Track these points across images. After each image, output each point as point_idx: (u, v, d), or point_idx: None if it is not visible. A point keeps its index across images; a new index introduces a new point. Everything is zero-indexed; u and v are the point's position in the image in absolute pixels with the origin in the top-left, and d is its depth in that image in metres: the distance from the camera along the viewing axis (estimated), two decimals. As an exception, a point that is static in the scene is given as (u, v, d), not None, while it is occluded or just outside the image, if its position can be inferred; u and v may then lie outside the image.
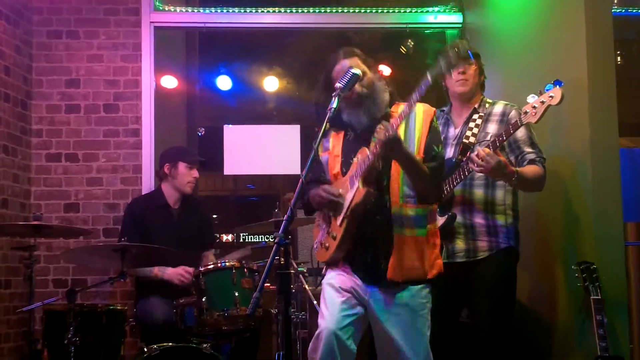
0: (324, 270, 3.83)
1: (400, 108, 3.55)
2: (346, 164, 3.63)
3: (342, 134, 3.70)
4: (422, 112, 3.60)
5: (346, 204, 3.53)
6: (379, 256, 3.53)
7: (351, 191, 3.50)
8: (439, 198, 3.80)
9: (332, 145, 3.71)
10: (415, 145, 3.54)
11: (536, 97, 3.89)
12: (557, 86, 3.78)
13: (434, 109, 3.68)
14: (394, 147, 3.38)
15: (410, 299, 3.53)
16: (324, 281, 3.70)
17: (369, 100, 3.57)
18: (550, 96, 3.81)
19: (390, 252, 3.49)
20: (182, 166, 5.28)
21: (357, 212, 3.49)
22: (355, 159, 3.55)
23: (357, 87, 3.52)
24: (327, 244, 3.66)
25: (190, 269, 4.93)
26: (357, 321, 3.55)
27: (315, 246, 3.81)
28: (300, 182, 3.16)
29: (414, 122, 3.58)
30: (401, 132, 3.51)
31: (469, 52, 3.66)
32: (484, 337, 4.17)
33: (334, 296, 3.57)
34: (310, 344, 3.57)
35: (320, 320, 3.57)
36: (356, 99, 3.54)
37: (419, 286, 3.55)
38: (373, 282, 3.55)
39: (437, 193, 3.69)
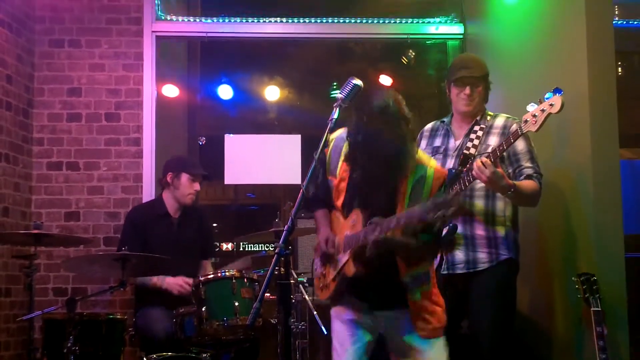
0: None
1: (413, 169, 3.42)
2: (347, 205, 3.52)
3: (349, 170, 3.50)
4: (432, 177, 3.43)
5: (339, 265, 3.50)
6: (387, 284, 3.50)
7: (344, 255, 3.47)
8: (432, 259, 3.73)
9: (339, 176, 3.57)
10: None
11: (536, 105, 3.89)
12: (557, 94, 3.78)
13: (446, 172, 3.61)
14: (383, 248, 3.28)
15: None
16: (332, 313, 3.71)
17: (396, 161, 3.33)
18: (551, 104, 3.81)
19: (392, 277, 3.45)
20: (184, 177, 5.27)
21: (346, 280, 3.48)
22: (351, 220, 3.46)
23: (392, 145, 3.27)
24: (321, 285, 3.68)
25: (190, 280, 4.92)
26: (368, 349, 3.61)
27: (315, 267, 3.77)
28: (301, 193, 3.15)
29: (423, 183, 3.41)
30: (407, 191, 3.39)
31: None
32: (484, 349, 4.17)
33: (344, 332, 3.61)
34: None
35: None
36: (386, 153, 3.29)
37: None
38: (381, 307, 3.56)
39: (433, 256, 3.71)
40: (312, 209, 3.69)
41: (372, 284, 3.49)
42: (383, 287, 3.50)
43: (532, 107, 3.90)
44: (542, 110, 3.81)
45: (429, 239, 3.34)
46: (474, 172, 3.94)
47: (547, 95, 3.78)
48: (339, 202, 3.57)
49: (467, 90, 4.30)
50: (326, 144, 3.39)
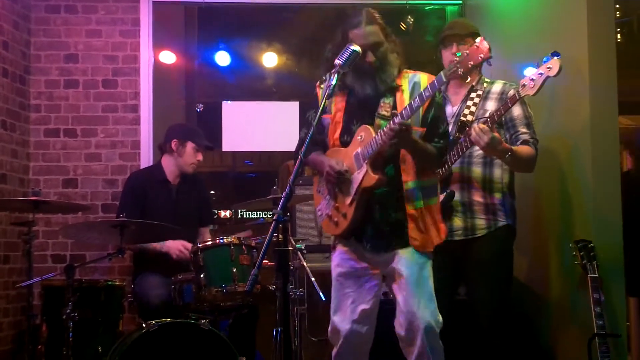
0: (332, 242, 3.87)
1: (406, 78, 3.61)
2: (347, 131, 3.66)
3: (344, 98, 3.70)
4: (425, 83, 3.59)
5: (354, 184, 3.57)
6: (391, 226, 3.60)
7: (359, 172, 3.54)
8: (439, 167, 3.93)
9: (335, 110, 3.71)
10: (420, 118, 3.56)
11: (534, 69, 3.85)
12: (555, 57, 3.74)
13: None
14: (403, 140, 3.42)
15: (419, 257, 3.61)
16: (333, 270, 3.78)
17: (379, 72, 3.57)
18: (548, 67, 3.76)
19: (402, 223, 3.57)
20: (190, 146, 5.26)
21: (367, 194, 3.54)
22: (358, 137, 3.57)
23: (370, 56, 3.52)
24: (335, 220, 3.70)
25: (189, 245, 4.93)
26: (372, 305, 3.69)
27: (319, 214, 3.84)
28: (300, 159, 3.15)
29: (418, 89, 3.58)
30: (406, 102, 3.53)
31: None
32: (481, 315, 4.20)
33: (345, 290, 3.69)
34: (329, 334, 3.73)
35: (334, 318, 3.70)
36: (367, 68, 3.54)
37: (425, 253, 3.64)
38: (384, 251, 3.63)
39: (439, 165, 3.84)
40: (305, 154, 3.72)
41: (375, 226, 3.61)
42: (385, 229, 3.60)
43: (529, 71, 3.87)
44: (540, 74, 3.76)
45: (442, 146, 3.63)
46: (471, 138, 3.93)
47: (544, 59, 3.74)
48: (337, 135, 3.68)
49: (454, 48, 4.29)
50: (324, 110, 3.40)
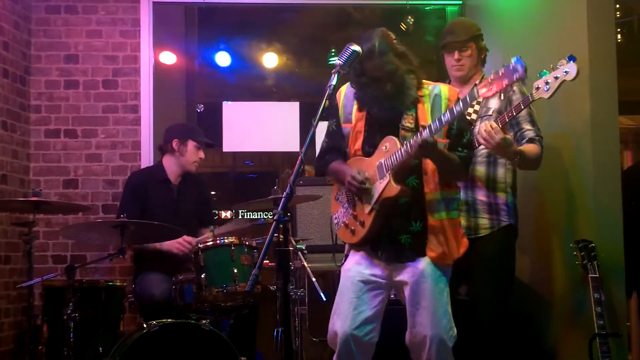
0: (346, 250, 3.87)
1: (427, 89, 3.61)
2: (368, 143, 3.66)
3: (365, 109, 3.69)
4: (447, 94, 3.61)
5: (376, 194, 3.57)
6: (410, 237, 3.60)
7: (381, 182, 3.54)
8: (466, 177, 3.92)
9: (355, 119, 3.71)
10: (442, 128, 3.52)
11: (547, 73, 3.81)
12: (571, 62, 3.71)
13: (458, 90, 3.71)
14: (429, 152, 3.44)
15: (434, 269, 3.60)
16: (342, 274, 3.77)
17: (398, 97, 3.54)
18: (565, 72, 3.71)
19: (422, 234, 3.57)
20: (191, 145, 5.28)
21: (387, 204, 3.54)
22: (383, 147, 3.57)
23: (388, 85, 3.49)
24: (352, 228, 3.70)
25: (191, 239, 4.94)
26: (375, 313, 3.66)
27: (335, 222, 3.85)
28: (300, 159, 3.16)
29: (439, 103, 3.58)
30: (428, 113, 3.55)
31: None
32: (482, 314, 4.19)
33: (349, 295, 3.66)
34: (328, 337, 3.72)
35: (335, 319, 3.69)
36: (385, 93, 3.51)
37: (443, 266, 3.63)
38: (398, 261, 3.62)
39: (465, 175, 3.82)
40: (326, 163, 3.74)
41: (392, 236, 3.60)
42: (403, 240, 3.59)
43: (544, 74, 3.81)
44: (556, 78, 3.74)
45: (466, 156, 3.63)
46: (480, 137, 3.92)
47: (560, 63, 3.72)
48: (358, 144, 3.68)
49: (456, 55, 4.32)
50: (324, 111, 3.40)
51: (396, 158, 3.48)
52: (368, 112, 3.65)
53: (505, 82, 3.27)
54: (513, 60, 3.29)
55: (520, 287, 4.65)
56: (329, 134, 3.84)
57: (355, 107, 3.69)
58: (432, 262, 3.57)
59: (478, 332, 4.21)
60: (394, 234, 3.61)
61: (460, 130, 3.61)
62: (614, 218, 4.15)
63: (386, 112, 3.57)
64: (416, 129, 3.53)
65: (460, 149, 3.61)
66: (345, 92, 3.75)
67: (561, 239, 4.47)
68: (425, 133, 3.38)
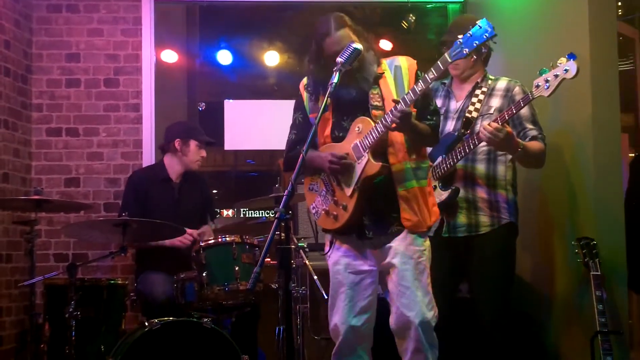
0: (327, 240, 3.85)
1: (385, 64, 3.66)
2: (338, 127, 3.69)
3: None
4: (406, 65, 3.67)
5: (356, 175, 3.58)
6: (385, 214, 3.63)
7: (360, 162, 3.56)
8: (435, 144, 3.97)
9: (321, 107, 3.67)
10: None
11: (547, 71, 3.81)
12: (571, 60, 3.71)
13: (415, 60, 3.73)
14: (406, 123, 3.45)
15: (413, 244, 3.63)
16: (330, 268, 3.79)
17: (360, 73, 3.59)
18: (565, 70, 3.72)
19: (395, 207, 3.59)
20: (193, 144, 5.29)
21: (368, 183, 3.56)
22: (356, 128, 3.59)
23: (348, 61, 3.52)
24: (335, 213, 3.70)
25: (191, 231, 4.95)
26: (370, 302, 3.69)
27: (314, 211, 3.85)
28: (301, 157, 3.16)
29: (401, 75, 3.64)
30: (392, 87, 3.60)
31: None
32: (483, 312, 4.19)
33: (342, 287, 3.69)
34: (331, 332, 3.74)
35: (332, 314, 3.72)
36: (347, 72, 3.52)
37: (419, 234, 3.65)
38: (385, 233, 3.65)
39: (435, 142, 3.88)
40: (298, 153, 3.72)
41: (373, 212, 3.63)
42: (382, 210, 3.63)
43: (544, 72, 3.82)
44: (556, 76, 3.74)
45: (435, 124, 3.68)
46: (483, 135, 3.91)
47: (560, 61, 3.72)
48: (327, 131, 3.72)
49: None
50: (326, 108, 3.42)
51: (373, 136, 3.50)
52: (333, 97, 3.59)
53: (475, 42, 3.33)
54: (480, 22, 3.32)
55: (521, 285, 4.66)
56: (295, 126, 3.86)
57: (319, 95, 3.70)
58: (410, 233, 3.61)
59: (479, 330, 4.22)
60: (374, 209, 3.63)
61: (425, 98, 3.63)
62: (615, 215, 4.16)
63: (352, 91, 3.60)
64: (384, 105, 3.58)
65: (429, 117, 3.66)
66: (306, 83, 3.81)
67: (563, 237, 4.47)
68: (400, 106, 3.42)
